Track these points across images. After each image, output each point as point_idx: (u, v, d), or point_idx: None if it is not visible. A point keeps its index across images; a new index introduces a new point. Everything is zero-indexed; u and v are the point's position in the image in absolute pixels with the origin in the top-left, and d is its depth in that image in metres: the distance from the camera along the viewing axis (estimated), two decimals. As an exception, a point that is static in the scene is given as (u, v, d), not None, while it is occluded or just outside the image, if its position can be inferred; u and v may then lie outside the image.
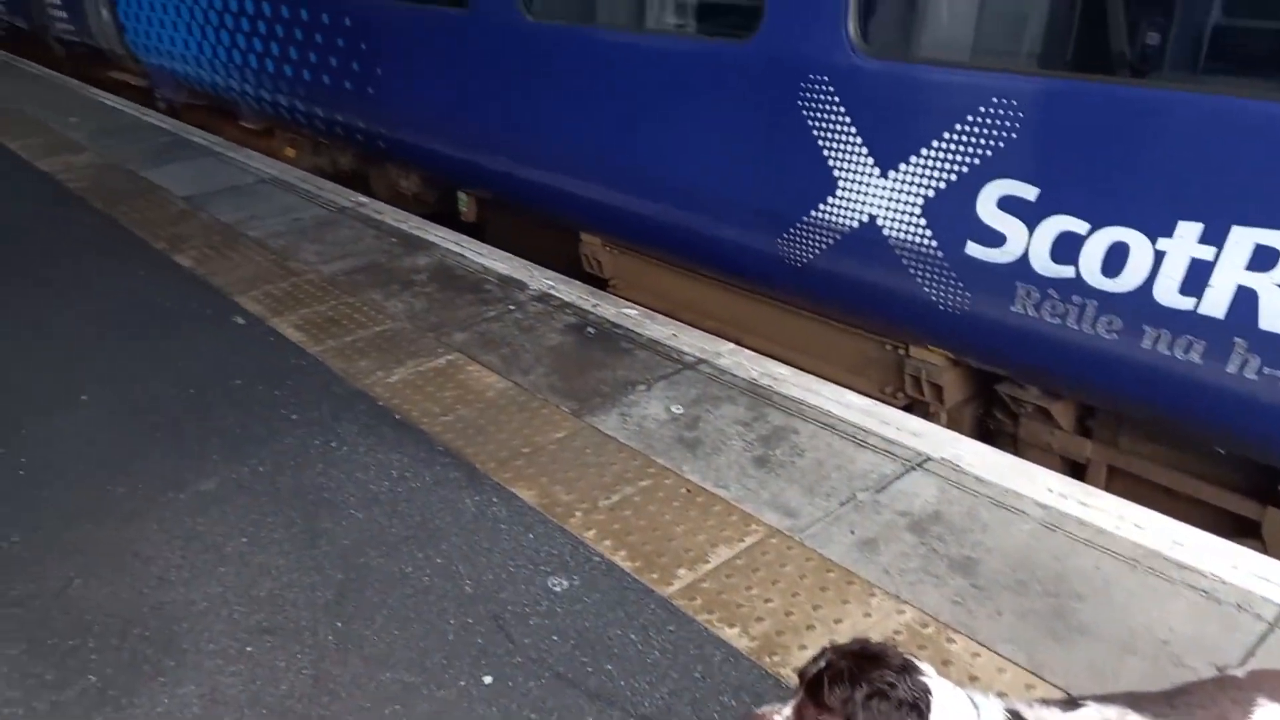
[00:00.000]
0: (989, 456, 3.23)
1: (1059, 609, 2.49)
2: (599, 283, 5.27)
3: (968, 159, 3.05)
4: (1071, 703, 1.64)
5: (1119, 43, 3.12)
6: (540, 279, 4.96)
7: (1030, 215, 2.97)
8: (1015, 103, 2.90)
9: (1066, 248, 2.91)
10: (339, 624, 2.50)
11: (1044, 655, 2.34)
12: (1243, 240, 2.55)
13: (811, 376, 3.85)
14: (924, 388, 3.80)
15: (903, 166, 3.23)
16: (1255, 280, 2.56)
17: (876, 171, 3.32)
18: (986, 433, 3.92)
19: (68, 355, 4.13)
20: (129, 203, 6.20)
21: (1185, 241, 2.66)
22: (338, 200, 6.27)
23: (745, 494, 3.04)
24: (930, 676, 1.43)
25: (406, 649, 2.41)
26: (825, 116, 3.42)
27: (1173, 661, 2.31)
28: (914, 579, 2.62)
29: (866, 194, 3.40)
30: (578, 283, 4.95)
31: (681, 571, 2.68)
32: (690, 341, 4.18)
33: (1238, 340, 2.64)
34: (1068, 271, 2.93)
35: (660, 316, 4.52)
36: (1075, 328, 2.99)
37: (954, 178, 3.11)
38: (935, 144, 3.11)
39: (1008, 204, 3.01)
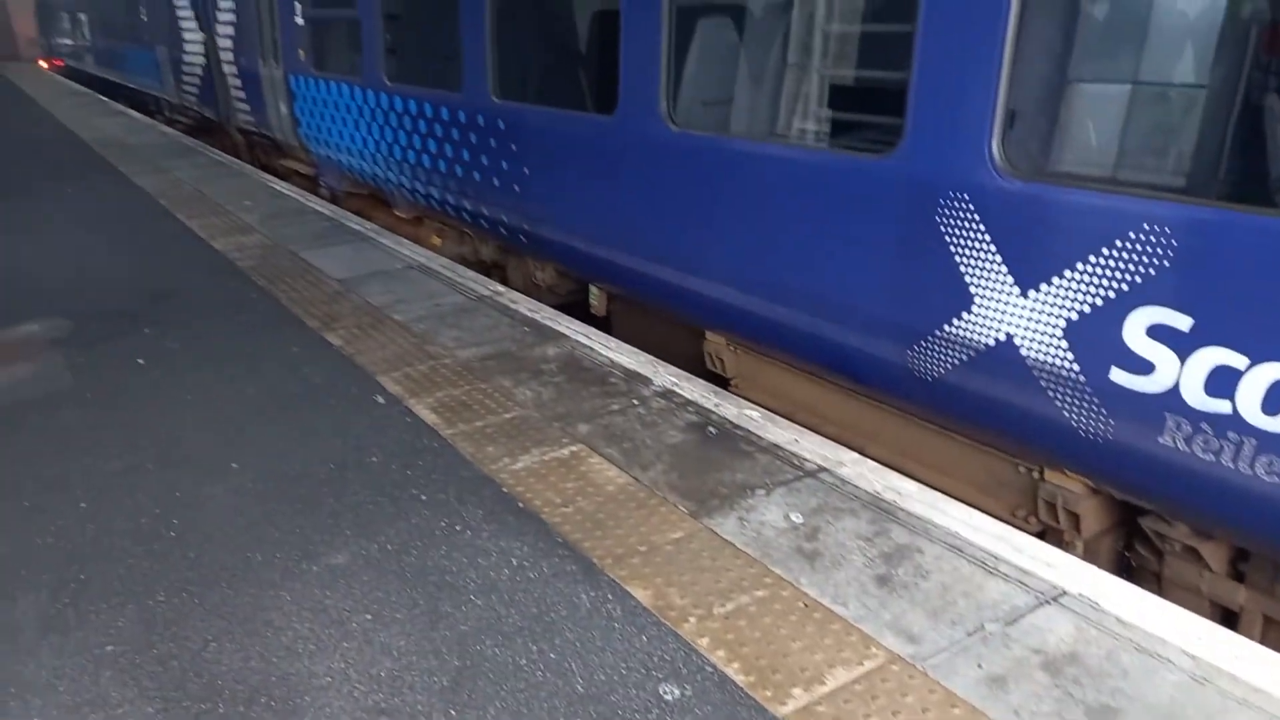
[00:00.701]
0: (1132, 596, 3.03)
1: (1212, 776, 2.29)
2: (721, 381, 5.31)
3: (1115, 284, 2.96)
4: None
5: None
6: (664, 375, 5.03)
7: (1182, 345, 2.85)
8: (1168, 230, 2.81)
9: (1222, 381, 2.76)
10: (453, 712, 2.54)
11: (1194, 827, 2.14)
12: None
13: (938, 494, 3.74)
14: (1060, 515, 3.62)
15: (1044, 287, 3.17)
16: None
17: (1016, 291, 3.26)
18: (1128, 569, 3.69)
19: (225, 423, 4.43)
20: (289, 281, 6.69)
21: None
22: (477, 288, 6.57)
23: (865, 613, 2.95)
24: None
25: (515, 744, 2.42)
26: (964, 233, 3.41)
27: None
28: (1046, 725, 2.46)
29: (1004, 312, 3.34)
30: (700, 381, 4.99)
31: (797, 691, 2.60)
32: (812, 448, 4.14)
33: None
34: (1223, 406, 2.77)
35: (781, 420, 4.50)
36: (1230, 465, 2.81)
37: (1099, 302, 3.03)
38: (1080, 267, 3.05)
39: (1158, 332, 2.90)
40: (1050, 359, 3.23)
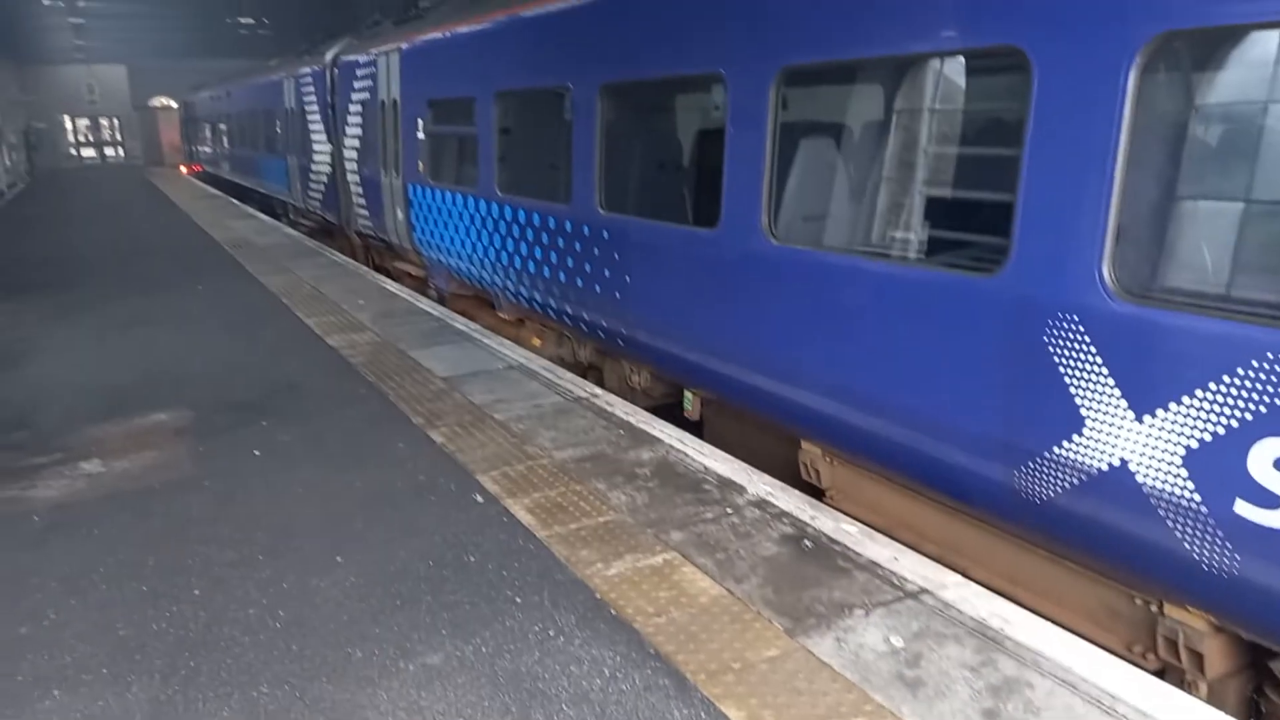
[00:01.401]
0: (1267, 749, 2.80)
1: None
2: (816, 492, 5.24)
3: (1239, 412, 2.85)
4: None
5: None
6: (758, 484, 5.00)
7: (1315, 479, 2.71)
8: (1293, 358, 2.72)
9: (1362, 519, 2.60)
10: (542, 827, 2.50)
11: None
12: None
13: (1048, 624, 3.56)
14: (1181, 653, 3.40)
15: (1161, 413, 3.07)
16: None
17: (1130, 415, 3.17)
18: (1257, 715, 3.41)
19: (332, 516, 4.59)
20: (397, 379, 6.97)
21: None
22: (574, 390, 6.71)
23: (971, 751, 2.80)
24: None
25: None
26: (1074, 355, 3.35)
27: None
28: None
29: (1118, 437, 3.23)
30: (795, 491, 4.94)
31: (898, 831, 2.47)
32: (912, 567, 4.02)
33: None
34: (1364, 546, 2.61)
35: (880, 536, 4.40)
36: (1375, 611, 2.62)
37: (1222, 430, 2.91)
38: (1200, 394, 2.95)
39: (1286, 464, 2.77)
40: (1168, 487, 3.10)
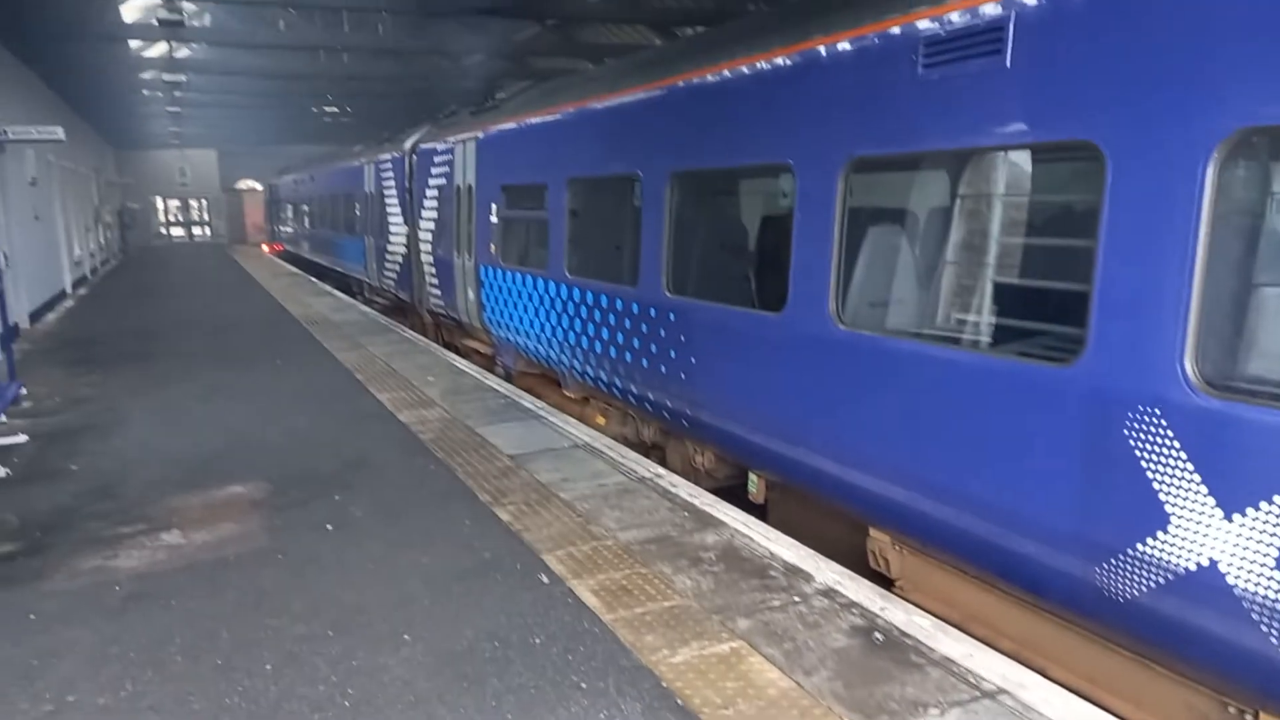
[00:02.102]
0: None
1: None
2: (885, 582, 5.12)
3: (1335, 514, 2.74)
4: None
5: None
6: (826, 572, 4.91)
7: None
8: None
9: None
10: None
11: None
12: None
13: (1136, 730, 3.40)
14: (1283, 767, 3.20)
15: (1252, 512, 2.96)
16: None
17: (1219, 514, 3.06)
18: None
19: (401, 593, 4.64)
20: (465, 455, 7.08)
21: None
22: (638, 470, 6.72)
23: None
24: None
25: None
26: (1156, 449, 3.27)
27: None
28: None
29: (1206, 536, 3.12)
30: (865, 581, 4.83)
31: None
32: (989, 664, 3.88)
33: None
34: None
35: (953, 630, 4.26)
36: None
37: (1318, 531, 2.80)
38: (1292, 493, 2.85)
39: (1391, 569, 2.63)
40: (1262, 590, 2.97)
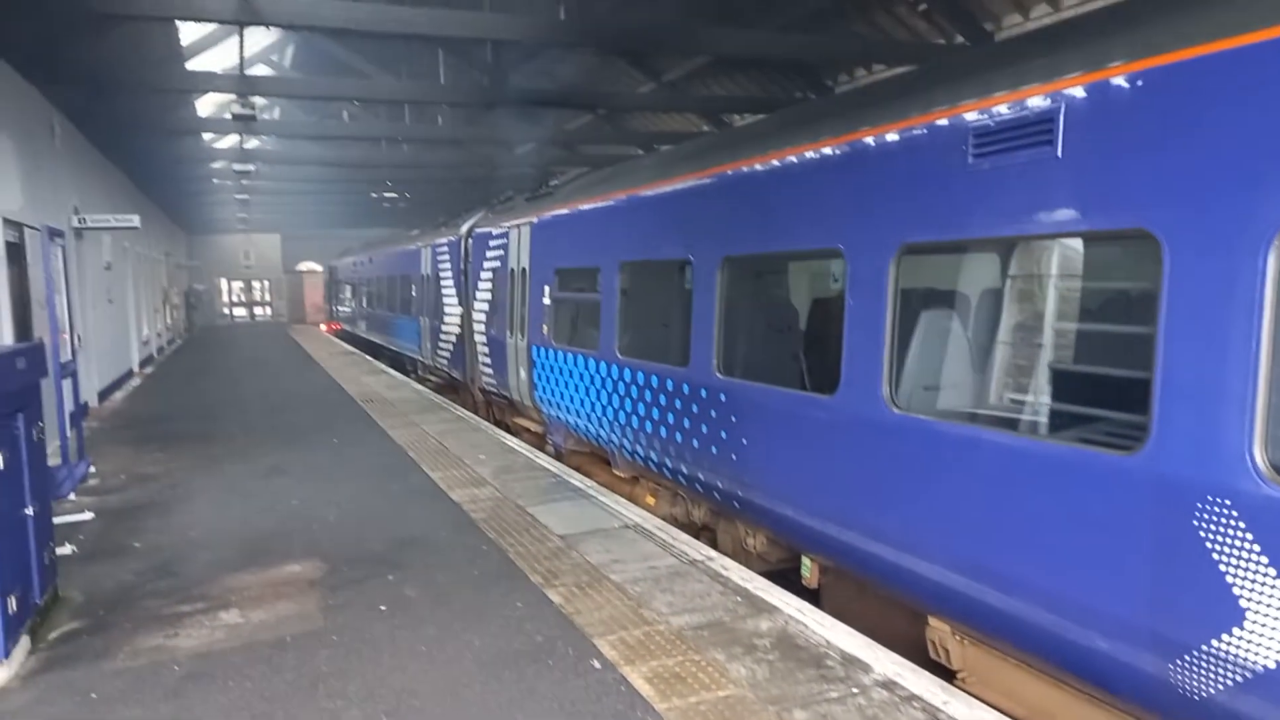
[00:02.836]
0: None
1: None
2: (946, 673, 4.97)
3: None
4: None
5: None
6: (885, 662, 4.78)
7: None
8: None
9: None
10: None
11: None
12: None
13: (1220, 840, 3.22)
14: None
15: (1332, 608, 2.85)
16: None
17: (1297, 609, 2.95)
18: None
19: (453, 677, 4.62)
20: (515, 535, 7.10)
21: None
22: (689, 552, 6.67)
23: None
24: None
25: None
26: (1228, 541, 3.18)
27: None
28: None
29: (1285, 632, 3.00)
30: (925, 673, 4.70)
31: None
32: (1058, 765, 3.73)
33: None
34: None
35: (1020, 726, 4.12)
36: None
37: (1405, 630, 2.68)
38: (1375, 588, 2.74)
39: None
40: (1350, 690, 2.84)
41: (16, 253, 10.59)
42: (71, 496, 8.55)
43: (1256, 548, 3.08)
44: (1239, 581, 3.15)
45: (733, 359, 6.90)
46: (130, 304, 20.87)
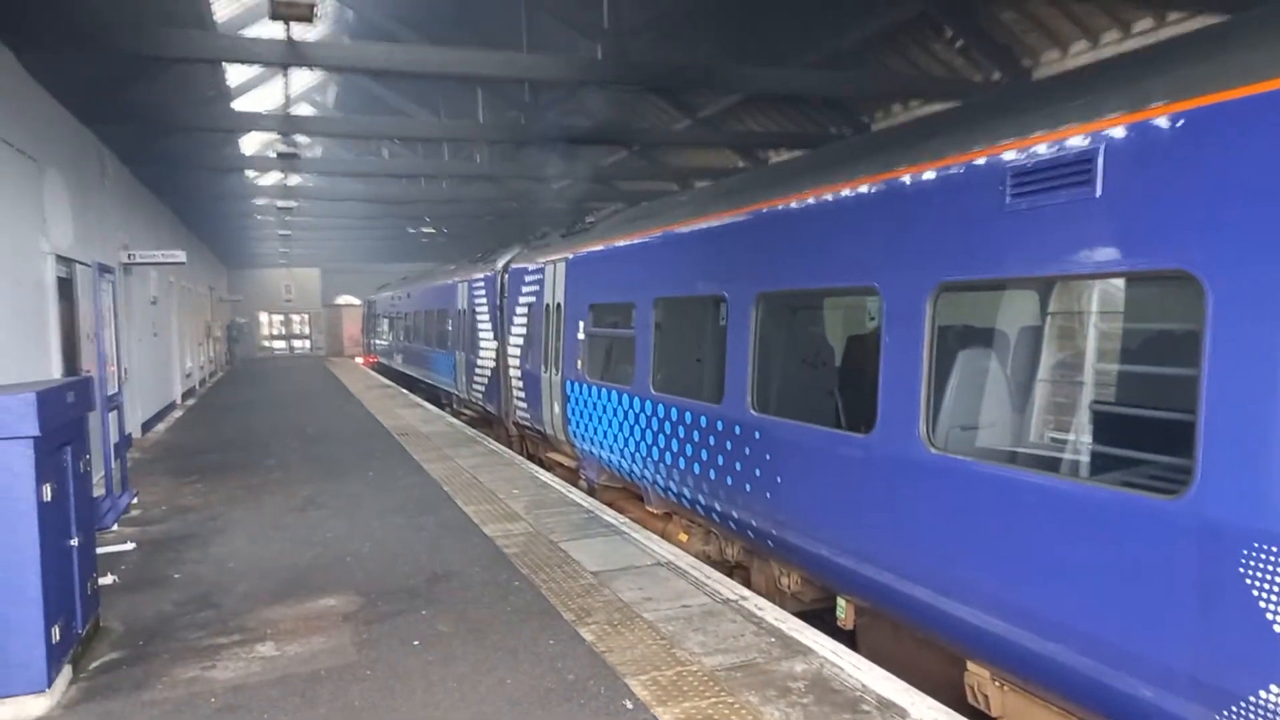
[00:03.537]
0: None
1: None
2: (985, 718, 4.86)
3: None
4: None
5: None
6: (923, 708, 4.69)
7: None
8: None
9: None
10: None
11: None
12: None
13: None
14: None
15: (1389, 661, 2.76)
16: None
17: (1352, 661, 2.86)
18: None
19: (486, 716, 4.61)
20: (548, 571, 7.09)
21: None
22: (723, 591, 6.61)
23: None
24: None
25: None
26: (1275, 589, 3.09)
27: None
28: None
29: (1340, 685, 2.91)
30: (962, 719, 4.60)
31: None
32: (1104, 818, 3.62)
33: None
34: None
35: (1063, 777, 4.01)
36: None
37: None
38: None
39: None
40: None
41: (66, 288, 10.90)
42: (115, 527, 8.71)
43: (1307, 597, 3.00)
44: (1290, 632, 3.06)
45: (767, 396, 6.88)
46: (174, 337, 21.33)
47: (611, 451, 9.80)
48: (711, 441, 7.44)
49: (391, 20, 13.27)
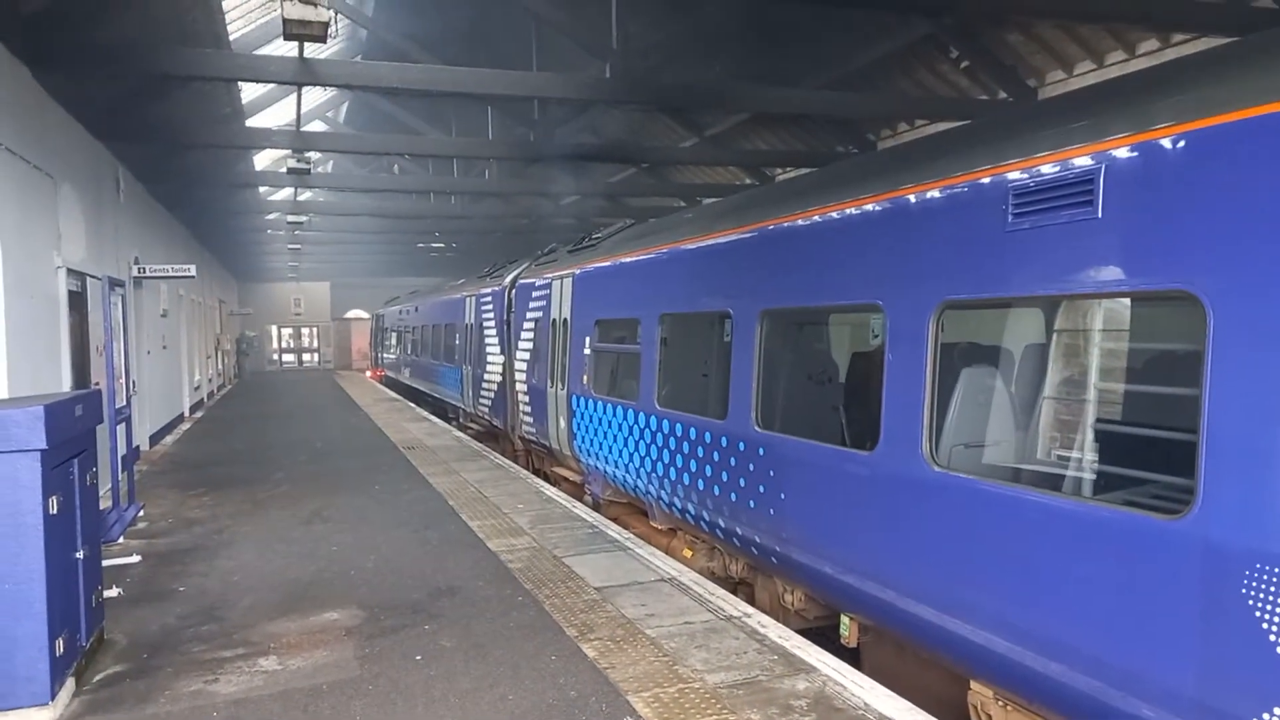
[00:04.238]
0: None
1: None
2: (990, 739, 4.83)
3: None
4: None
5: None
6: (925, 727, 4.68)
7: None
8: None
9: None
10: None
11: None
12: None
13: None
14: None
15: (1391, 684, 2.75)
16: None
17: (1353, 684, 2.85)
18: None
19: (485, 729, 4.62)
20: (551, 587, 7.09)
21: None
22: (726, 608, 6.60)
23: None
24: None
25: None
26: (1277, 611, 3.08)
27: None
28: None
29: (1342, 708, 2.89)
30: (967, 739, 4.58)
31: None
32: (1106, 841, 3.60)
33: None
34: None
35: (1066, 799, 3.98)
36: None
37: None
38: None
39: None
40: None
41: (78, 300, 11.00)
42: (120, 540, 8.74)
43: (1309, 618, 2.99)
44: (1291, 653, 3.05)
45: (771, 412, 6.89)
46: (184, 350, 21.45)
47: (616, 467, 9.81)
48: (716, 457, 7.44)
49: (404, 39, 13.39)
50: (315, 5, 8.05)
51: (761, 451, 6.76)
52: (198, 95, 13.72)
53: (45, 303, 9.50)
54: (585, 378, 10.87)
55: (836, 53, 14.67)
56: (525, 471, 13.02)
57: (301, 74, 10.44)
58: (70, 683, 5.15)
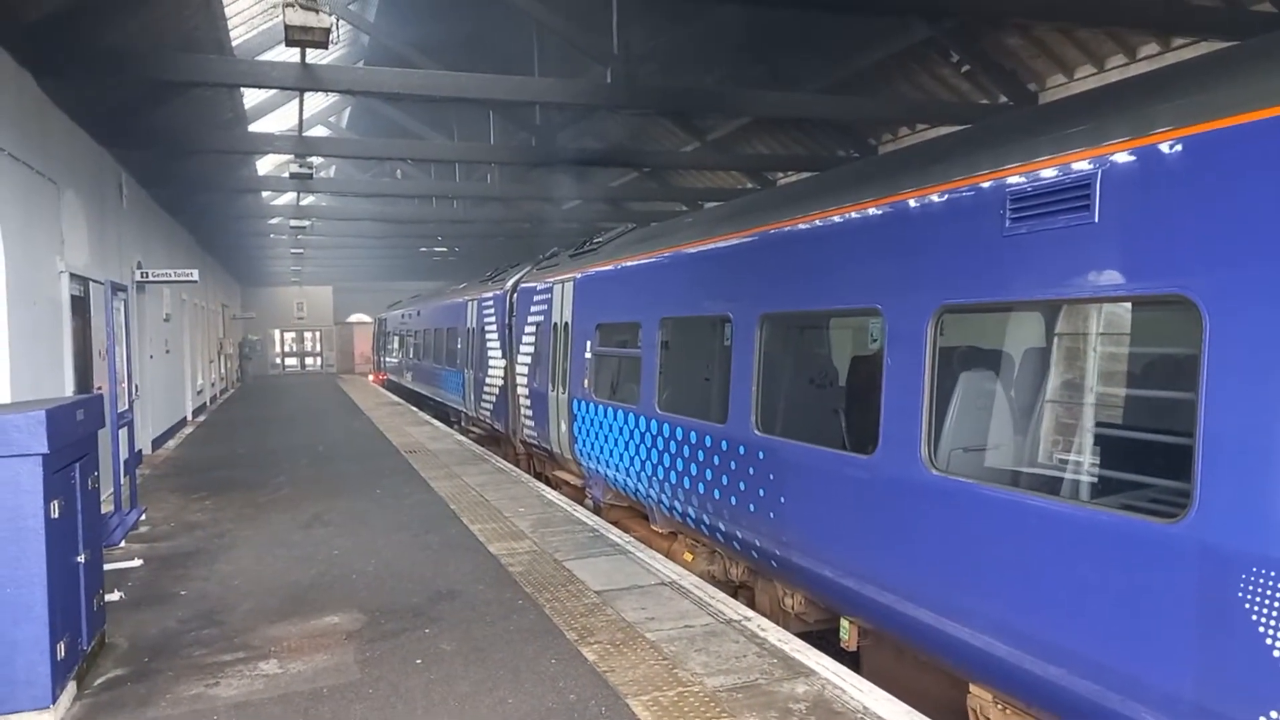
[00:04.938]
0: None
1: None
2: (990, 744, 4.83)
3: None
4: None
5: None
6: (924, 731, 4.68)
7: None
8: None
9: None
10: None
11: None
12: None
13: None
14: None
15: (1386, 687, 2.75)
16: None
17: (1349, 687, 2.85)
18: None
19: (484, 733, 4.62)
20: (552, 590, 7.10)
21: None
22: (726, 611, 6.61)
23: None
24: None
25: None
26: (1275, 615, 3.08)
27: None
28: None
29: (1338, 711, 2.90)
30: (966, 742, 4.58)
31: None
32: (1104, 845, 3.60)
33: None
34: None
35: (1065, 803, 3.98)
36: None
37: None
38: None
39: None
40: None
41: (80, 305, 11.03)
42: (122, 544, 8.76)
43: (1304, 622, 2.99)
44: (1287, 657, 3.05)
45: (771, 416, 6.90)
46: (186, 354, 21.49)
47: (617, 470, 9.82)
48: (716, 461, 7.45)
49: (406, 45, 13.45)
50: (317, 11, 8.09)
51: (761, 455, 6.77)
52: (200, 101, 13.77)
53: (48, 307, 9.53)
54: (586, 381, 10.88)
55: (837, 57, 14.70)
56: (526, 475, 13.03)
57: (304, 79, 10.47)
58: (71, 686, 5.16)
